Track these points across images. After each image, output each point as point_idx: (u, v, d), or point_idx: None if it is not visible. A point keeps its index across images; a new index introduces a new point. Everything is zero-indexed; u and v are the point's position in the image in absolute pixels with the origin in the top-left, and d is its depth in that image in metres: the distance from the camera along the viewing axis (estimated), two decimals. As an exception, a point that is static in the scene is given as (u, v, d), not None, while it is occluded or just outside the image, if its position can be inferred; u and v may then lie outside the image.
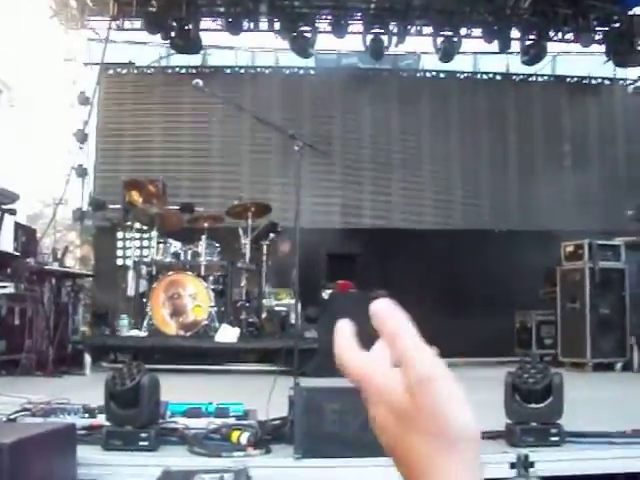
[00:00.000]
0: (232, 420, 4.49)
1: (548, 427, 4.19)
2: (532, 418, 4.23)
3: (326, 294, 10.93)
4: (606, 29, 15.61)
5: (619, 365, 11.24)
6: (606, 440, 4.31)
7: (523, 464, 3.96)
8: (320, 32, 15.13)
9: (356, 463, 3.91)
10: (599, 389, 8.74)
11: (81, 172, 14.65)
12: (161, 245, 11.05)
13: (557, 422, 4.22)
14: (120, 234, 12.81)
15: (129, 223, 11.97)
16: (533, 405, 4.24)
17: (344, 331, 0.84)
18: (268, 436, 4.22)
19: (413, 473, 0.71)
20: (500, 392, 4.35)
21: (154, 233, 11.14)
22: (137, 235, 12.08)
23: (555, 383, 4.24)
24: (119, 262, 12.71)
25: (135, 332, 10.44)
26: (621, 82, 16.80)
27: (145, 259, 11.36)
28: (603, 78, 16.83)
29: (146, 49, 15.67)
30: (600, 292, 11.33)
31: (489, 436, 4.43)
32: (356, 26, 15.31)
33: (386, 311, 0.77)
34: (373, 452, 3.91)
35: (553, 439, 4.17)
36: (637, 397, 7.54)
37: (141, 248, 12.09)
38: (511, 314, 13.48)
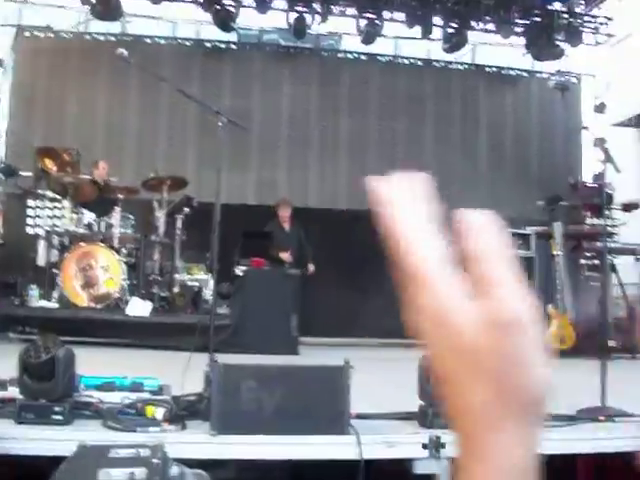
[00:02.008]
0: (147, 395, 4.46)
1: (460, 410, 4.26)
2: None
3: (240, 271, 10.91)
4: (526, 22, 15.87)
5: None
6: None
7: (435, 445, 4.03)
8: (243, 7, 15.01)
9: (271, 440, 3.93)
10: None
11: (-8, 136, 14.33)
12: (74, 215, 10.86)
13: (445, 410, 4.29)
14: (31, 202, 12.55)
15: (41, 191, 11.74)
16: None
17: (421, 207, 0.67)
18: (183, 412, 4.21)
19: (466, 430, 0.60)
20: (412, 373, 4.41)
21: (67, 202, 10.95)
22: (49, 204, 11.87)
23: (468, 367, 4.31)
24: (29, 231, 12.46)
25: (45, 303, 10.25)
26: (538, 75, 17.10)
27: (57, 229, 11.16)
28: (521, 70, 17.12)
29: (65, 13, 15.33)
30: (511, 279, 11.54)
31: (402, 417, 4.51)
32: (280, 3, 15.24)
33: (483, 225, 0.64)
34: (288, 430, 3.95)
35: (464, 421, 4.24)
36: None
37: (53, 217, 11.88)
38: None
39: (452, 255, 0.62)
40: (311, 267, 12.34)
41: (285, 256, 12.12)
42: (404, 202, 0.66)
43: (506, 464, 0.57)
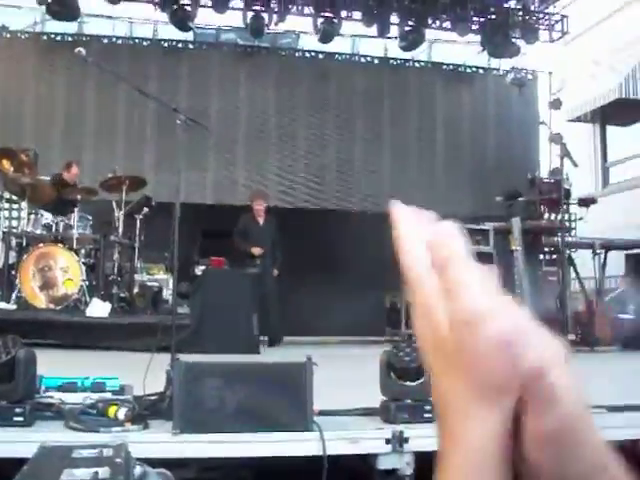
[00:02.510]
0: (109, 395, 4.45)
1: (422, 404, 4.29)
2: (407, 395, 4.32)
3: (199, 270, 10.89)
4: (482, 19, 15.99)
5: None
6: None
7: (398, 440, 4.05)
8: (201, 6, 14.97)
9: (234, 438, 3.94)
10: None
11: (-53, 138, 14.13)
12: (32, 216, 10.78)
13: (431, 399, 4.32)
14: (-12, 203, 12.43)
15: (-2, 192, 11.64)
16: (408, 383, 4.33)
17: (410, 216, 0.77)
18: (145, 411, 4.20)
19: (443, 416, 0.66)
20: (374, 370, 4.44)
21: (24, 204, 10.86)
22: (7, 205, 11.76)
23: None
24: (-14, 232, 12.34)
25: (3, 305, 10.16)
26: (495, 72, 17.24)
27: (15, 230, 11.07)
28: (477, 67, 17.24)
29: (21, 13, 15.18)
30: (467, 275, 11.63)
31: (364, 413, 4.53)
32: (237, 2, 15.20)
33: (448, 235, 0.70)
34: (251, 427, 3.96)
35: (427, 415, 4.26)
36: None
37: (10, 219, 11.78)
38: (382, 295, 13.72)
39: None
40: (275, 272, 12.22)
41: (256, 250, 11.91)
42: (411, 227, 0.74)
43: (474, 447, 0.62)
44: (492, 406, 0.62)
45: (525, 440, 0.64)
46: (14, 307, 10.11)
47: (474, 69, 17.29)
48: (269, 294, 11.74)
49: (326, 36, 15.49)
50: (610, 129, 17.77)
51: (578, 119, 17.33)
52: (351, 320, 12.83)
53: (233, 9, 15.21)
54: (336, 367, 7.83)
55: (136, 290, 11.29)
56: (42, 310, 10.11)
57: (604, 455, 0.64)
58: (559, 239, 12.04)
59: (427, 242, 0.70)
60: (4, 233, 11.02)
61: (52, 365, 5.02)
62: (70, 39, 15.13)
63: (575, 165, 10.00)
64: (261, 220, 12.39)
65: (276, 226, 12.48)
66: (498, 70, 17.27)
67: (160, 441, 3.89)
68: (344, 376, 6.83)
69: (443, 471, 0.64)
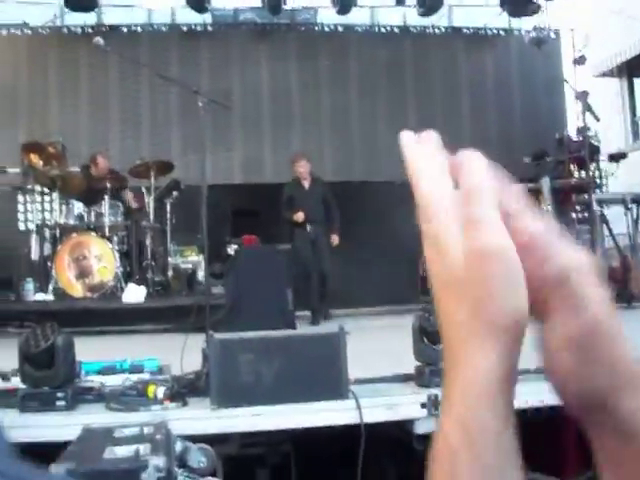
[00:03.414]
0: (147, 376, 4.53)
1: (456, 367, 4.32)
2: (440, 359, 4.34)
3: (231, 250, 10.95)
4: (501, -20, 15.84)
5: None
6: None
7: (433, 403, 4.09)
8: (217, -13, 14.98)
9: (271, 410, 4.00)
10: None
11: (-23, 136, 14.27)
12: (64, 207, 10.90)
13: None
14: (21, 198, 12.59)
15: (30, 186, 11.77)
16: (441, 346, 4.36)
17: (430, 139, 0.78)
18: (184, 389, 4.27)
19: (448, 342, 0.68)
20: (408, 339, 4.47)
21: (56, 195, 10.99)
22: (39, 198, 11.90)
23: (461, 325, 4.37)
24: (21, 226, 12.51)
25: (41, 296, 10.31)
26: (516, 32, 17.08)
27: (48, 222, 11.21)
28: (499, 29, 17.10)
29: (40, 8, 15.27)
30: (500, 237, 11.64)
31: (399, 379, 4.58)
32: (253, -19, 15.20)
33: (472, 164, 0.71)
34: (288, 399, 4.02)
35: (461, 378, 4.30)
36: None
37: (43, 211, 11.92)
38: (415, 263, 13.72)
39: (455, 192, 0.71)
40: (335, 238, 11.63)
41: (299, 216, 11.42)
42: (423, 152, 0.76)
43: (473, 373, 0.64)
44: (498, 339, 0.64)
45: (552, 349, 0.67)
46: (52, 298, 10.26)
47: (495, 31, 17.14)
48: (319, 265, 11.44)
49: (344, 7, 15.41)
50: (638, 82, 17.57)
51: (604, 74, 17.17)
52: (385, 290, 12.88)
53: (250, -13, 15.21)
54: (372, 337, 7.90)
55: (170, 273, 11.38)
56: (79, 299, 10.25)
57: (631, 365, 0.66)
58: (590, 196, 11.97)
59: (450, 168, 0.72)
60: (38, 225, 11.18)
61: (92, 352, 5.11)
62: (90, 30, 15.19)
63: (597, 119, 9.92)
64: (306, 183, 11.86)
65: (323, 186, 12.03)
66: (520, 30, 17.11)
67: (199, 417, 3.96)
68: (379, 345, 6.87)
69: (446, 398, 0.67)
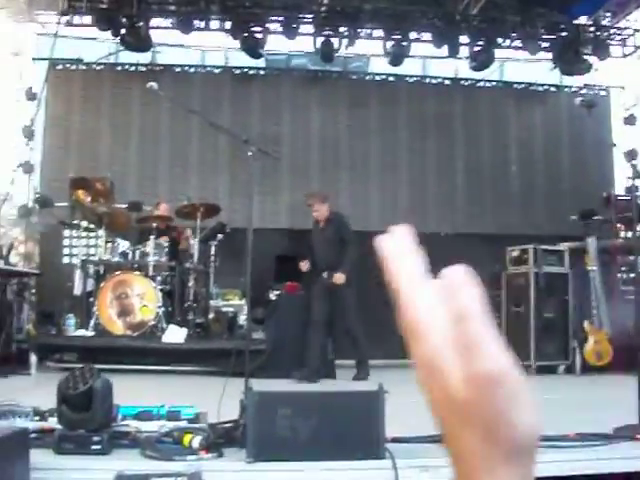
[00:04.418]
0: (184, 423, 4.51)
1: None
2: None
3: (274, 295, 10.95)
4: (553, 37, 15.86)
5: (562, 368, 11.48)
6: (549, 444, 4.41)
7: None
8: (271, 33, 15.11)
9: (307, 467, 3.96)
10: (543, 392, 8.88)
11: (28, 168, 14.44)
12: (109, 244, 10.99)
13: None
14: (67, 232, 12.71)
15: (76, 221, 11.89)
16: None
17: (407, 247, 0.74)
18: (220, 439, 4.25)
19: (461, 469, 0.65)
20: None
21: (102, 232, 11.08)
22: (84, 234, 12.01)
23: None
24: (65, 260, 12.61)
25: (82, 332, 10.38)
26: (567, 90, 17.05)
27: (92, 258, 11.30)
28: (549, 85, 17.09)
29: (95, 45, 15.50)
30: (544, 296, 11.56)
31: (436, 439, 4.50)
32: (307, 27, 15.33)
33: (460, 282, 0.67)
34: (323, 456, 3.98)
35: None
36: (580, 401, 7.69)
37: (88, 247, 12.01)
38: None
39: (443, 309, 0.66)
40: (338, 277, 10.22)
41: (303, 266, 10.52)
42: (399, 256, 0.73)
43: None
44: (516, 462, 0.61)
45: None
46: (92, 334, 10.32)
47: (546, 87, 17.13)
48: (342, 320, 10.44)
49: (396, 58, 15.50)
50: (687, 143, 17.41)
51: (654, 134, 17.02)
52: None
53: (303, 34, 15.32)
54: (409, 391, 7.78)
55: (212, 316, 11.40)
56: (119, 337, 10.29)
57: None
58: (636, 258, 11.82)
59: (438, 289, 0.68)
60: (82, 261, 11.26)
61: (130, 391, 5.11)
62: (144, 69, 15.43)
63: (649, 188, 9.86)
64: (322, 224, 10.73)
65: (338, 224, 10.71)
66: (570, 87, 17.07)
67: (234, 470, 3.93)
68: (418, 401, 6.77)
69: None
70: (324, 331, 10.17)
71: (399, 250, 0.74)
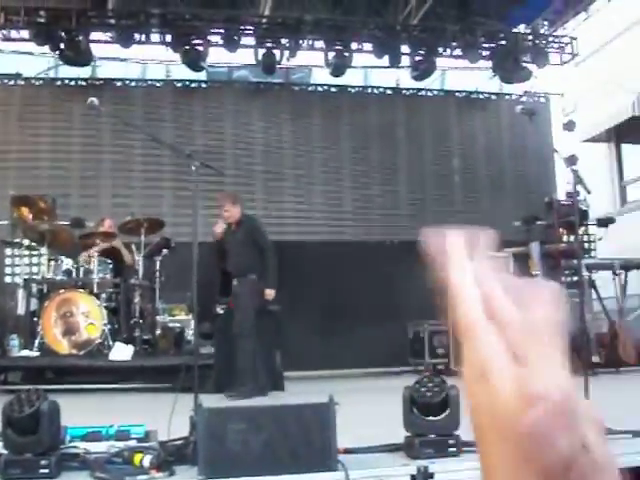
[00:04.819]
0: (133, 442, 4.45)
1: (446, 438, 4.29)
2: (430, 430, 4.32)
3: (220, 309, 10.89)
4: (492, 45, 16.05)
5: (509, 373, 11.55)
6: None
7: (423, 476, 4.03)
8: (212, 45, 15.07)
9: (259, 482, 3.93)
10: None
11: (-34, 187, 14.22)
12: (52, 262, 10.83)
13: (455, 433, 4.32)
14: (9, 251, 12.51)
15: (18, 240, 11.71)
16: (431, 418, 4.33)
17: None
18: (171, 458, 4.20)
19: None
20: (397, 404, 4.42)
21: (44, 250, 10.92)
22: (26, 252, 11.83)
23: (452, 395, 4.34)
24: (8, 280, 12.42)
25: (26, 352, 10.19)
26: (507, 97, 17.28)
27: (35, 277, 11.13)
28: (490, 93, 17.29)
29: (34, 60, 15.33)
30: (490, 302, 11.63)
31: (388, 449, 4.52)
32: (248, 39, 15.31)
33: (544, 293, 0.62)
34: (276, 470, 3.95)
35: (451, 450, 4.27)
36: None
37: (31, 265, 11.85)
38: (404, 325, 13.67)
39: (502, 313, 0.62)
40: (268, 293, 9.61)
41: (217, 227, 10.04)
42: (460, 256, 0.66)
43: None
44: None
45: None
46: (37, 354, 10.15)
47: (486, 95, 17.34)
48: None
49: (338, 69, 15.56)
50: (625, 147, 17.70)
51: (593, 139, 17.29)
52: (374, 351, 12.83)
53: (244, 47, 15.30)
54: (360, 401, 7.81)
55: (158, 332, 11.30)
56: (65, 356, 10.14)
57: None
58: (579, 262, 11.99)
59: (512, 292, 0.62)
60: (25, 280, 11.08)
61: (77, 411, 5.03)
62: (84, 83, 15.29)
63: (588, 192, 9.98)
64: (233, 227, 10.06)
65: (250, 228, 9.99)
66: (511, 95, 17.31)
67: (186, 488, 3.89)
68: (368, 411, 6.80)
69: None
70: (252, 341, 9.38)
71: (459, 249, 0.67)
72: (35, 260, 11.83)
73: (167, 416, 4.65)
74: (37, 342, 10.23)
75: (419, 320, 13.34)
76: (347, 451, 4.31)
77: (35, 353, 10.16)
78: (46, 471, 3.88)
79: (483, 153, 16.80)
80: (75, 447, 4.35)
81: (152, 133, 6.98)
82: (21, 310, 10.87)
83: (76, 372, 10.01)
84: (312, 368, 12.57)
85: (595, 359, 11.36)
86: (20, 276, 11.52)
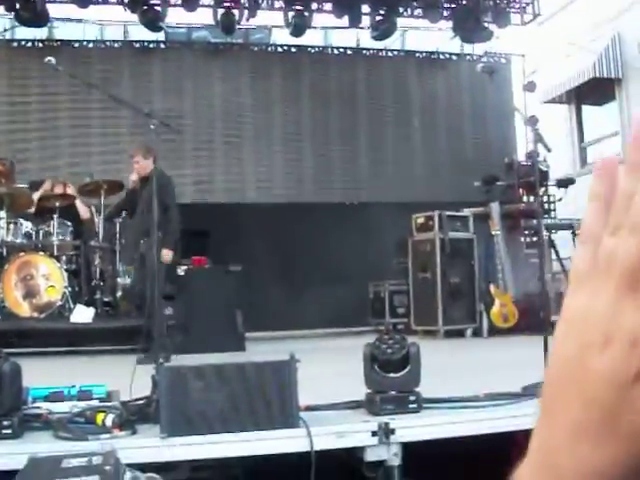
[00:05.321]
0: (96, 402, 4.46)
1: (407, 395, 4.34)
2: (391, 387, 4.37)
3: (181, 270, 10.89)
4: (453, 6, 16.03)
5: (469, 331, 11.72)
6: (461, 405, 4.51)
7: (384, 432, 4.08)
8: (170, 5, 14.91)
9: (221, 439, 3.96)
10: (452, 356, 9.08)
11: None
12: (11, 225, 10.74)
13: (415, 390, 4.38)
14: (-33, 214, 12.38)
15: (-24, 203, 11.59)
16: (392, 374, 4.37)
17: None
18: (133, 417, 4.22)
19: (547, 432, 0.54)
20: (359, 362, 4.47)
21: (3, 213, 10.82)
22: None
23: (412, 353, 4.38)
24: (-33, 244, 12.30)
25: (-14, 315, 10.15)
26: (468, 58, 17.29)
27: (-6, 240, 11.04)
28: (451, 53, 17.30)
29: (-12, 21, 15.11)
30: (450, 262, 11.76)
31: (350, 406, 4.57)
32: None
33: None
34: (238, 427, 3.99)
35: (412, 406, 4.31)
36: (487, 362, 7.87)
37: (-11, 229, 11.73)
38: (365, 285, 13.77)
39: None
40: (165, 254, 9.08)
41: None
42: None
43: None
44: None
45: None
46: (-2, 317, 10.10)
47: (447, 55, 17.35)
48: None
49: (298, 30, 15.48)
50: (586, 109, 17.81)
51: (553, 100, 17.36)
52: (335, 311, 12.91)
53: (203, 6, 15.15)
54: (321, 360, 7.88)
55: (120, 294, 11.26)
56: (26, 319, 10.09)
57: None
58: (539, 222, 12.09)
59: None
60: (-16, 244, 11.00)
61: (39, 374, 5.03)
62: (41, 45, 15.09)
63: (549, 150, 10.05)
64: (142, 182, 9.47)
65: (158, 185, 7.77)
66: (472, 55, 17.33)
67: (149, 446, 3.90)
68: (329, 369, 6.87)
69: None
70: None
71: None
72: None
73: (129, 378, 4.67)
74: (-2, 305, 10.18)
75: (380, 280, 13.45)
76: (308, 408, 4.35)
77: (-5, 316, 10.12)
78: (9, 432, 3.87)
79: (443, 113, 16.84)
80: (38, 407, 4.35)
81: (107, 89, 6.92)
82: (-20, 274, 10.79)
83: (38, 335, 9.97)
84: (274, 329, 12.64)
85: (555, 318, 11.50)
86: (-21, 240, 11.40)
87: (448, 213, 12.02)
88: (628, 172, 0.51)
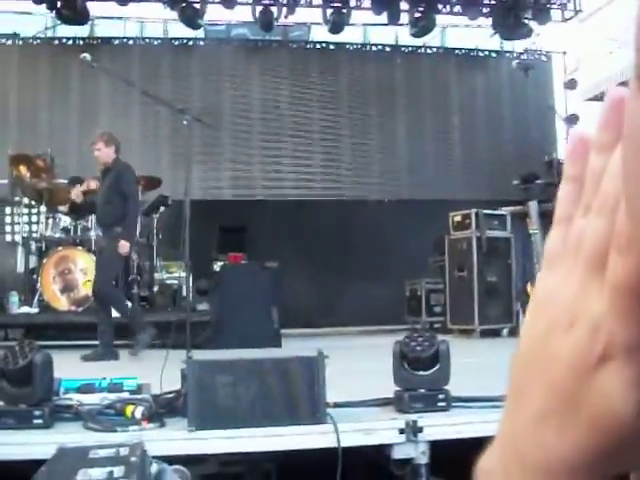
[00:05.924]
0: (126, 395, 4.50)
1: (435, 393, 4.33)
2: (420, 385, 4.36)
3: (218, 266, 10.94)
4: (493, 2, 15.92)
5: (505, 331, 11.62)
6: (491, 404, 4.48)
7: (412, 429, 4.08)
8: (209, 3, 14.98)
9: (247, 433, 3.98)
10: (486, 355, 9.03)
11: (-35, 146, 14.22)
12: (50, 220, 10.87)
13: (444, 388, 4.37)
14: (8, 209, 12.54)
15: (17, 198, 11.73)
16: (421, 372, 4.36)
17: None
18: (162, 410, 4.25)
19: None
20: (390, 360, 4.46)
21: (43, 208, 10.96)
22: (25, 210, 11.85)
23: (442, 350, 4.37)
24: (7, 238, 12.45)
25: (26, 309, 10.28)
26: (508, 55, 17.17)
27: (34, 235, 11.17)
28: (490, 51, 17.19)
29: (31, 19, 15.25)
30: (487, 260, 11.69)
31: (378, 403, 4.56)
32: (246, -3, 15.22)
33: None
34: (265, 422, 4.00)
35: (440, 404, 4.30)
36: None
37: (30, 224, 11.87)
38: (401, 283, 13.73)
39: None
40: (122, 246, 8.52)
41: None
42: None
43: None
44: None
45: None
46: (36, 310, 10.22)
47: (487, 53, 17.25)
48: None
49: (336, 26, 15.48)
50: (628, 107, 17.60)
51: (595, 98, 17.21)
52: (371, 309, 12.90)
53: (242, 4, 15.21)
54: (353, 357, 7.89)
55: (156, 289, 11.36)
56: (64, 312, 10.21)
57: None
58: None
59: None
60: (24, 238, 11.14)
61: (75, 366, 5.09)
62: (82, 42, 15.22)
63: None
64: (104, 172, 9.21)
65: (118, 174, 8.87)
66: (512, 53, 17.21)
67: (176, 438, 3.94)
68: (361, 366, 6.86)
69: None
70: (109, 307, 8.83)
71: None
72: (34, 218, 11.85)
73: (160, 371, 4.71)
74: (36, 299, 10.31)
75: (416, 278, 13.41)
76: (337, 405, 4.36)
77: (34, 310, 10.25)
78: (40, 421, 3.93)
79: (483, 111, 16.75)
80: (68, 399, 4.40)
81: (148, 90, 6.97)
82: (20, 268, 10.94)
83: (75, 328, 10.07)
84: (310, 326, 12.66)
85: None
86: (19, 234, 11.55)
87: (485, 211, 11.94)
88: (596, 152, 0.50)
